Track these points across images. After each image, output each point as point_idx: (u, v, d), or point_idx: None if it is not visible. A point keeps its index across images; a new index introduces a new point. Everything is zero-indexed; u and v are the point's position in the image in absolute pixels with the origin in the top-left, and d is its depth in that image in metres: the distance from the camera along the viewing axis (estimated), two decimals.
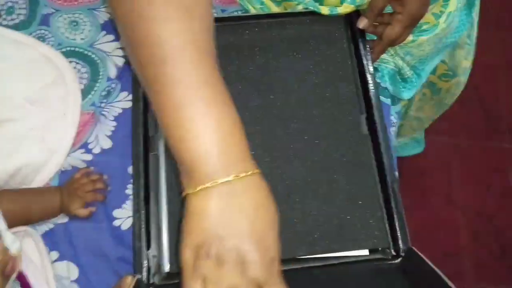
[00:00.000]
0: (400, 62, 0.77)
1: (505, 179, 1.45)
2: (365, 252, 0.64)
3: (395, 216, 0.64)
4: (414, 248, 0.60)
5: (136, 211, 0.65)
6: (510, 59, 1.59)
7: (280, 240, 0.48)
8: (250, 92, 0.72)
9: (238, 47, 0.74)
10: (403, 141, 1.25)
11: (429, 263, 0.55)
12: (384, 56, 0.77)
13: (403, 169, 1.12)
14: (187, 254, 0.46)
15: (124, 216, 0.69)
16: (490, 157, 1.48)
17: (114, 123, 0.73)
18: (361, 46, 0.74)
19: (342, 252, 0.64)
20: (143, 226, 0.64)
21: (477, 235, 1.39)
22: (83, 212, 0.67)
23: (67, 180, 0.69)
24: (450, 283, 0.50)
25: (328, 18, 0.75)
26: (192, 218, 0.46)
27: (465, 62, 0.89)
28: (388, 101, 0.77)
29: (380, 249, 0.65)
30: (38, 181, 0.69)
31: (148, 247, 0.63)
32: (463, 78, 0.93)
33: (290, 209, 0.65)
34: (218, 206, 0.45)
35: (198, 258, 0.45)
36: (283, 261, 0.62)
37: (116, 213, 0.69)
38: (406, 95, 0.78)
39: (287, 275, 0.49)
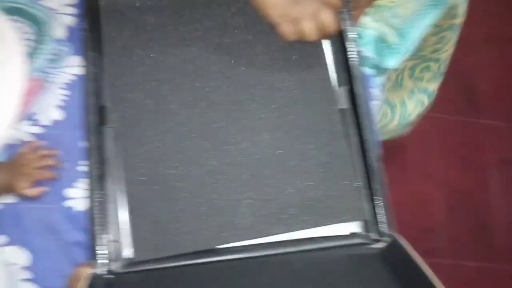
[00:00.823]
0: (385, 28, 0.71)
1: (483, 154, 1.43)
2: (345, 231, 0.59)
3: (378, 197, 0.58)
4: (399, 235, 0.55)
5: (90, 191, 0.58)
6: (492, 32, 1.55)
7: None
8: (210, 56, 0.64)
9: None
10: None
11: (414, 254, 0.50)
12: (366, 20, 0.70)
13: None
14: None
15: (77, 196, 0.62)
16: (469, 132, 1.45)
17: (66, 92, 0.65)
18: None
19: (320, 231, 0.59)
20: (98, 207, 0.57)
21: (454, 211, 1.37)
22: (31, 191, 0.60)
23: (12, 155, 0.62)
24: (435, 279, 0.45)
25: None
26: None
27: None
28: (371, 72, 0.71)
29: (361, 232, 0.60)
30: None
31: (106, 231, 0.57)
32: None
33: (263, 185, 0.60)
34: None
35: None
36: (258, 246, 0.58)
37: (67, 192, 0.62)
38: (392, 63, 0.72)
39: (262, 261, 0.44)
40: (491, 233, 1.36)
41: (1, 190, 0.60)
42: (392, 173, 1.34)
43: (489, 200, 1.38)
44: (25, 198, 0.60)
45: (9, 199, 0.61)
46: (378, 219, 0.58)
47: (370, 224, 0.59)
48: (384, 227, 0.58)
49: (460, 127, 1.46)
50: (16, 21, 0.67)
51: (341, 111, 0.64)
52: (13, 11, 0.67)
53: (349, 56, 0.64)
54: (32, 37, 0.67)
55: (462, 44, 1.43)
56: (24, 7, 0.68)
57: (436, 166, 1.42)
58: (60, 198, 0.62)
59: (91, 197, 0.57)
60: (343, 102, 0.65)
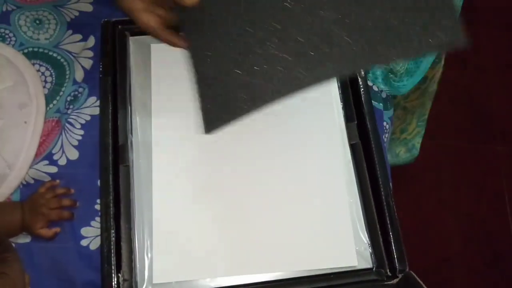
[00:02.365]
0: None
1: (497, 182, 1.41)
2: (355, 264, 0.59)
3: (390, 234, 0.58)
4: (412, 272, 0.54)
5: (104, 229, 0.58)
6: (502, 59, 1.55)
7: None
8: None
9: None
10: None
11: None
12: None
13: (392, 171, 1.08)
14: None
15: (93, 235, 0.62)
16: (481, 159, 1.44)
17: (81, 132, 0.66)
18: None
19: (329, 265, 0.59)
20: (112, 246, 0.58)
21: (469, 241, 1.35)
22: (47, 232, 0.61)
23: (30, 195, 0.63)
24: None
25: None
26: None
27: None
28: (380, 106, 0.72)
29: (374, 269, 0.59)
30: None
31: (119, 270, 0.57)
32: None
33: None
34: None
35: None
36: (270, 284, 0.58)
37: (84, 231, 0.63)
38: (404, 89, 0.73)
39: None
40: (509, 262, 1.33)
41: (17, 229, 0.60)
42: (405, 202, 1.34)
43: (505, 228, 1.36)
44: (40, 237, 0.61)
45: (24, 239, 0.62)
46: (391, 255, 0.58)
47: (381, 259, 0.59)
48: (397, 263, 0.58)
49: (473, 154, 1.44)
50: (38, 64, 0.69)
51: (351, 146, 0.65)
52: (36, 56, 0.70)
53: (361, 91, 0.66)
54: (53, 79, 0.69)
55: (473, 71, 1.44)
56: (46, 51, 0.70)
57: (450, 194, 1.40)
58: (75, 237, 0.62)
59: (104, 236, 0.58)
60: (353, 137, 0.65)
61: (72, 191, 0.64)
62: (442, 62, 0.86)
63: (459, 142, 1.45)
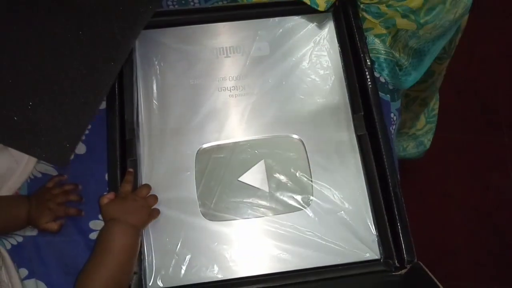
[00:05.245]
0: (398, 53, 0.72)
1: (503, 174, 1.41)
2: (363, 255, 0.59)
3: (398, 225, 0.58)
4: (420, 262, 0.54)
5: None
6: (509, 49, 1.53)
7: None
8: None
9: None
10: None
11: (435, 281, 0.49)
12: (380, 46, 0.71)
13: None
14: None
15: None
16: (487, 152, 1.43)
17: (88, 126, 0.66)
18: (357, 38, 0.68)
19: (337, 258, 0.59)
20: None
21: (475, 233, 1.35)
22: (52, 226, 0.61)
23: (38, 190, 0.63)
24: None
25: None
26: None
27: None
28: (387, 97, 0.72)
29: (382, 260, 0.59)
30: (5, 191, 0.62)
31: None
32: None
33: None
34: None
35: None
36: (279, 275, 0.58)
37: (92, 224, 0.63)
38: (410, 82, 0.73)
39: None
40: None
41: (23, 223, 0.61)
42: (411, 195, 1.33)
43: (510, 220, 1.35)
44: (46, 231, 0.61)
45: (29, 232, 0.62)
46: (399, 246, 0.58)
47: (389, 250, 0.59)
48: (405, 254, 0.57)
49: (478, 146, 1.44)
50: None
51: (358, 137, 0.65)
52: None
53: (368, 83, 0.65)
54: None
55: (478, 62, 1.42)
56: None
57: (455, 187, 1.40)
58: (84, 230, 0.62)
59: None
60: (360, 128, 0.65)
61: (80, 187, 0.64)
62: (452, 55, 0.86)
63: (465, 135, 1.45)
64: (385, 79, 0.72)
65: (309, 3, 0.68)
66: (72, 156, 0.63)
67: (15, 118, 0.59)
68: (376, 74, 0.71)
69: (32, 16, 0.64)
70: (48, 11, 0.64)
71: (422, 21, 0.66)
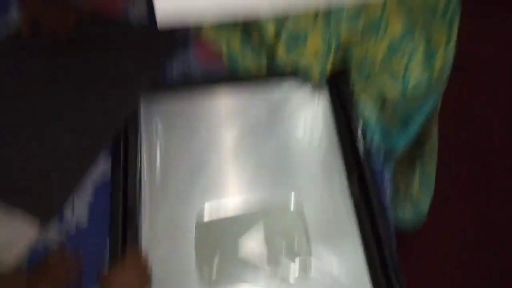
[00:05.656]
0: (389, 117, 0.75)
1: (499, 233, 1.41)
2: None
3: None
4: None
5: None
6: None
7: None
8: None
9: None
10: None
11: None
12: (371, 114, 0.75)
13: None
14: None
15: None
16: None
17: (92, 199, 0.68)
18: (349, 111, 0.72)
19: None
20: None
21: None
22: None
23: (38, 259, 0.63)
24: None
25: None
26: None
27: None
28: (381, 159, 0.74)
29: None
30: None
31: None
32: None
33: None
34: None
35: None
36: None
37: None
38: (402, 142, 0.75)
39: None
40: None
41: None
42: (407, 254, 1.32)
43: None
44: None
45: None
46: None
47: None
48: None
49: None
50: None
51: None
52: None
53: (358, 146, 0.69)
54: None
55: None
56: None
57: (451, 247, 1.39)
58: None
59: None
60: (354, 191, 0.67)
61: (80, 256, 0.64)
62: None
63: (458, 194, 1.46)
64: (376, 143, 0.75)
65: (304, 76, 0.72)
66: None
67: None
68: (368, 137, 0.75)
69: (29, 81, 0.70)
70: (46, 76, 0.69)
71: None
